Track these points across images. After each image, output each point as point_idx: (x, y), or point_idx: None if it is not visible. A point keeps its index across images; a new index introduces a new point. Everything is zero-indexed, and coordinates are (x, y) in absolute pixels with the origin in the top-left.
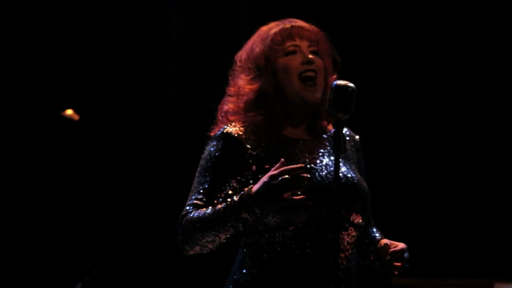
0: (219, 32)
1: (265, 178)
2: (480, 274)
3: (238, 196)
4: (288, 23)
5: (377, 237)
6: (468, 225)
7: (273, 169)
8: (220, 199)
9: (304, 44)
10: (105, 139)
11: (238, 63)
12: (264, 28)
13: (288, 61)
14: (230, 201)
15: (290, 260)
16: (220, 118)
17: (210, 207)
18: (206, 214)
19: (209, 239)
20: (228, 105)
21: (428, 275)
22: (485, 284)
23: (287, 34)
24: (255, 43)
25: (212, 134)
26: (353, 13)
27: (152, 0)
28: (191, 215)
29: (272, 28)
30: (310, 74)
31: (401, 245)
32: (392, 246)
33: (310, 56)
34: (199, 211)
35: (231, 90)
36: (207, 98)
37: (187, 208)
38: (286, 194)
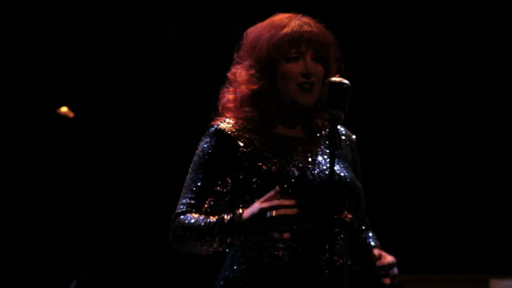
0: (214, 31)
1: (255, 209)
2: (475, 269)
3: (228, 218)
4: (299, 26)
5: (372, 245)
6: (463, 220)
7: (264, 197)
8: (213, 199)
9: (309, 52)
10: (100, 136)
11: (244, 47)
12: (277, 20)
13: (289, 68)
14: (220, 220)
15: (281, 257)
16: (219, 110)
17: (203, 216)
18: (197, 225)
19: (197, 248)
20: (227, 95)
21: (423, 271)
22: (481, 280)
23: (295, 41)
24: (263, 35)
25: (213, 123)
26: (349, 10)
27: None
28: (183, 218)
29: (284, 26)
30: (307, 86)
31: (389, 259)
32: (381, 260)
33: (311, 68)
34: (192, 217)
35: (231, 78)
36: (203, 97)
37: (181, 207)
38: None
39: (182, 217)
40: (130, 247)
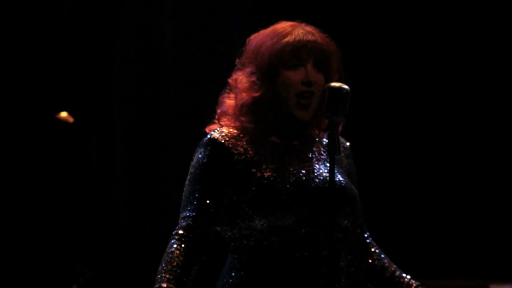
0: (213, 34)
1: None
2: (475, 275)
3: None
4: (302, 35)
5: (397, 274)
6: (463, 226)
7: None
8: (212, 210)
9: (310, 61)
10: (99, 141)
11: (246, 54)
12: (280, 28)
13: (289, 76)
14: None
15: (279, 263)
16: (216, 115)
17: (169, 262)
18: (161, 267)
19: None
20: (227, 100)
21: (423, 277)
22: (481, 286)
23: (297, 49)
24: (265, 42)
25: (207, 130)
26: (345, 14)
27: (146, 2)
28: (172, 244)
29: (286, 34)
30: (306, 96)
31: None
32: None
33: (312, 77)
34: (171, 254)
35: (232, 84)
36: (202, 100)
37: (181, 222)
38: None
39: (172, 241)
40: (129, 251)
